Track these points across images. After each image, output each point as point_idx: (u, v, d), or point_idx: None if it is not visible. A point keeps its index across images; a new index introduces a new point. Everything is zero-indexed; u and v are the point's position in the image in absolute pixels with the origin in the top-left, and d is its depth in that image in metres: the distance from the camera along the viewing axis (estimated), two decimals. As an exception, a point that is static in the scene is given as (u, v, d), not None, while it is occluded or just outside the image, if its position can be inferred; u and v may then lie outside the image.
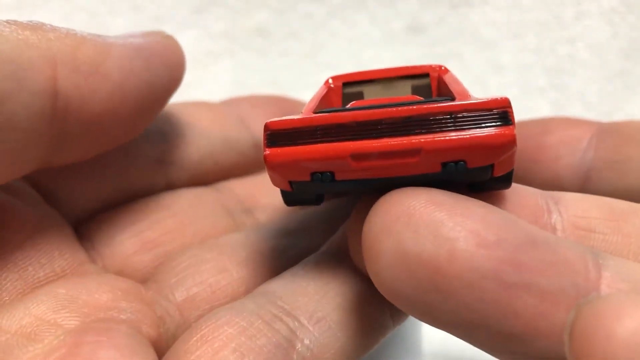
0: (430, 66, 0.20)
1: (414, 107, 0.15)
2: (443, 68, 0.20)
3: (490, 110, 0.15)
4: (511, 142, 0.15)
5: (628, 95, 0.45)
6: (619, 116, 0.44)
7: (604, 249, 0.18)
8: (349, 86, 0.20)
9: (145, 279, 0.22)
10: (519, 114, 0.23)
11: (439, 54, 0.44)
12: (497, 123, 0.15)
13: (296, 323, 0.18)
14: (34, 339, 0.17)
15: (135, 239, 0.23)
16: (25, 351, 0.17)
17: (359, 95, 0.20)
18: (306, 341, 0.18)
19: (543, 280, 0.15)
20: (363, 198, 0.19)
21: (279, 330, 0.17)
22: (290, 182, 0.17)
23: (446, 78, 0.19)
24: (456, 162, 0.15)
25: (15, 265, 0.19)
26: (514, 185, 0.18)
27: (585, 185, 0.26)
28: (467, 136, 0.15)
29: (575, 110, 0.44)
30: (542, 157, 0.27)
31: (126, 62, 0.19)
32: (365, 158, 0.16)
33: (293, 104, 0.32)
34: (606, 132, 0.26)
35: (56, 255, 0.20)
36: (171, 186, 0.26)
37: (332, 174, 0.16)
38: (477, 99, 0.16)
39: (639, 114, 0.43)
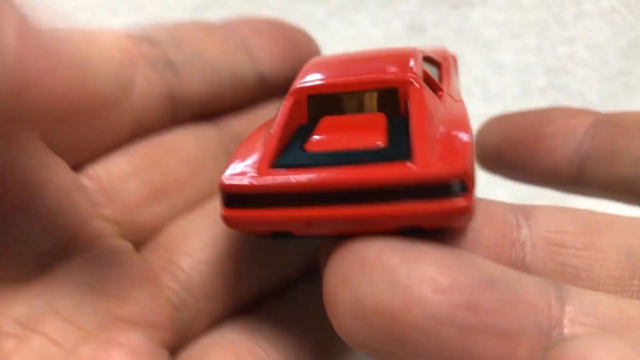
0: (406, 78, 0.18)
1: (368, 174, 0.15)
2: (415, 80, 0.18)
3: (445, 180, 0.14)
4: (464, 213, 0.15)
5: (628, 95, 0.45)
6: (619, 116, 0.44)
7: (576, 265, 0.17)
8: (314, 99, 0.19)
9: (154, 231, 0.22)
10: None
11: (439, 54, 0.44)
12: (451, 193, 0.14)
13: None
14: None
15: (146, 186, 0.22)
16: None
17: (326, 109, 0.19)
18: None
19: (502, 321, 0.14)
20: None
21: None
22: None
23: (414, 97, 0.17)
24: (412, 228, 0.15)
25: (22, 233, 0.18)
26: (482, 200, 0.18)
27: (580, 175, 0.26)
28: (419, 207, 0.15)
29: (575, 110, 0.44)
30: (539, 147, 0.26)
31: None
32: (321, 225, 0.16)
33: (298, 36, 0.30)
34: (604, 122, 0.26)
35: (60, 218, 0.19)
36: (177, 122, 0.24)
37: (291, 232, 0.17)
38: (427, 161, 0.15)
39: (639, 114, 0.43)
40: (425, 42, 0.44)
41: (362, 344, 0.15)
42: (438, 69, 0.22)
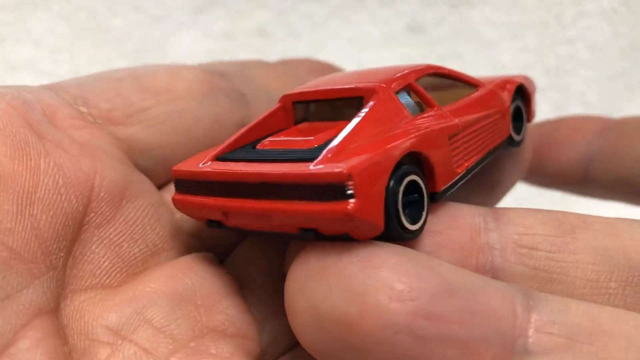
0: (373, 87, 0.18)
1: (270, 170, 0.15)
2: (391, 85, 0.18)
3: (329, 183, 0.14)
4: (350, 218, 0.14)
5: (628, 95, 0.45)
6: (619, 116, 0.44)
7: (549, 269, 0.17)
8: (299, 104, 0.20)
9: (233, 246, 0.22)
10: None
11: (439, 54, 0.44)
12: (336, 196, 0.14)
13: None
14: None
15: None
16: None
17: (309, 116, 0.20)
18: None
19: (462, 331, 0.14)
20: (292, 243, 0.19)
21: None
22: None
23: (367, 104, 0.17)
24: (312, 230, 0.15)
25: (110, 242, 0.19)
26: (450, 204, 0.18)
27: (586, 177, 0.27)
28: (307, 207, 0.14)
29: (575, 110, 0.44)
30: (548, 152, 0.27)
31: None
32: (235, 215, 0.16)
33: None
34: (610, 127, 0.27)
35: (148, 229, 0.20)
36: None
37: (220, 222, 0.17)
38: (327, 163, 0.15)
39: (639, 114, 0.43)
40: (425, 42, 0.44)
41: (319, 352, 0.15)
42: (474, 90, 0.22)
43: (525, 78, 0.24)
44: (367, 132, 0.16)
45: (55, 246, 0.17)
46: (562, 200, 0.32)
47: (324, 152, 0.15)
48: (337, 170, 0.14)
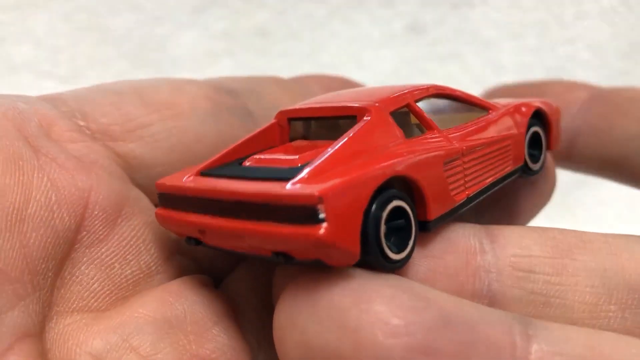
0: (365, 107, 0.17)
1: (245, 188, 0.15)
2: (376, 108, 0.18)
3: (300, 205, 0.13)
4: (318, 242, 0.13)
5: (628, 95, 0.45)
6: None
7: (546, 292, 0.16)
8: (295, 121, 0.20)
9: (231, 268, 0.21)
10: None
11: (439, 53, 0.44)
12: (307, 220, 0.13)
13: None
14: None
15: None
16: None
17: (304, 134, 0.20)
18: None
19: None
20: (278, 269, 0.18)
21: None
22: None
23: (357, 124, 0.17)
24: (284, 254, 0.14)
25: (101, 262, 0.18)
26: (444, 226, 0.17)
27: (571, 151, 0.25)
28: (277, 229, 0.14)
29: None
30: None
31: None
32: (211, 234, 0.16)
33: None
34: (598, 98, 0.25)
35: (142, 250, 0.19)
36: None
37: (198, 239, 0.17)
38: (302, 184, 0.14)
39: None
40: (425, 42, 0.44)
41: None
42: (484, 113, 0.21)
43: (546, 103, 0.22)
44: (353, 153, 0.16)
45: (43, 266, 0.17)
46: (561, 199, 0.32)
47: (303, 172, 0.14)
48: (307, 192, 0.13)
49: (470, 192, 0.18)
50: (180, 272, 0.20)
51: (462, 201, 0.17)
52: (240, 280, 0.20)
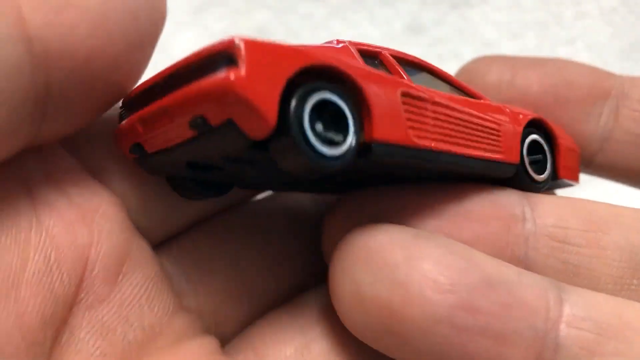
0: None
1: (171, 66, 0.14)
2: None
3: (217, 52, 0.13)
4: (227, 87, 0.12)
5: (628, 95, 0.45)
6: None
7: (577, 263, 0.17)
8: None
9: (242, 325, 0.20)
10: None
11: (439, 53, 0.44)
12: (221, 66, 0.13)
13: None
14: None
15: (230, 270, 0.20)
16: None
17: None
18: None
19: (498, 323, 0.15)
20: (338, 204, 0.18)
21: None
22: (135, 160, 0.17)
23: None
24: (199, 119, 0.14)
25: (102, 326, 0.16)
26: (490, 190, 0.18)
27: (596, 156, 0.23)
28: (192, 88, 0.13)
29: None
30: (561, 115, 0.23)
31: None
32: (147, 125, 0.15)
33: None
34: (628, 96, 0.22)
35: (145, 310, 0.17)
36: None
37: (141, 145, 0.16)
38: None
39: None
40: (425, 42, 0.44)
41: (363, 335, 0.16)
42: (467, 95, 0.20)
43: (560, 129, 0.21)
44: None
45: (41, 335, 0.15)
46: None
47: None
48: (227, 40, 0.13)
49: (437, 146, 0.16)
50: (186, 331, 0.18)
51: (425, 148, 0.16)
52: (248, 342, 0.19)
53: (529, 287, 0.15)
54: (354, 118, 0.14)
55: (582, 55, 0.44)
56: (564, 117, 0.23)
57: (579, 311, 0.15)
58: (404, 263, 0.15)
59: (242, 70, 0.12)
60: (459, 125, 0.17)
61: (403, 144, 0.15)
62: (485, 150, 0.18)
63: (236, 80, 0.12)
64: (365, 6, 0.44)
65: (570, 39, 0.44)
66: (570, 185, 0.22)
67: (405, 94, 0.16)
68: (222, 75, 0.13)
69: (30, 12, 0.14)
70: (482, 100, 0.20)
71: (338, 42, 0.17)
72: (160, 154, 0.16)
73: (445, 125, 0.17)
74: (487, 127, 0.19)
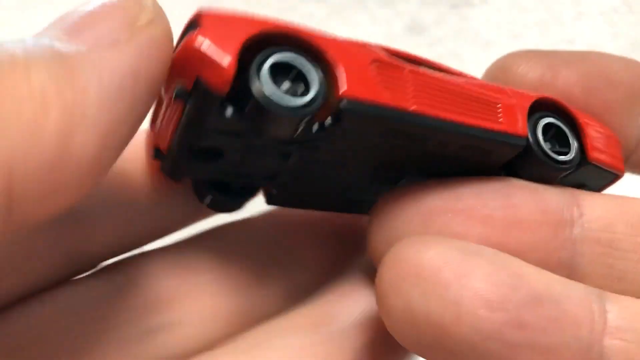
0: None
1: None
2: None
3: (190, 23, 0.15)
4: (193, 43, 0.14)
5: (628, 95, 0.45)
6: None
7: (623, 269, 0.17)
8: None
9: None
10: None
11: (439, 54, 0.44)
12: (190, 30, 0.15)
13: None
14: None
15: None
16: None
17: None
18: None
19: (545, 337, 0.15)
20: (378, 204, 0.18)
21: None
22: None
23: None
24: (179, 88, 0.15)
25: None
26: (539, 189, 0.18)
27: (629, 159, 0.22)
28: (177, 56, 0.15)
29: (575, 110, 0.44)
30: (602, 114, 0.21)
31: (106, 117, 0.13)
32: (152, 119, 0.17)
33: None
34: None
35: None
36: None
37: (157, 148, 0.17)
38: None
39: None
40: (425, 42, 0.44)
41: (413, 347, 0.16)
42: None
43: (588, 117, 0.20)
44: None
45: None
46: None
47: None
48: (196, 13, 0.15)
49: (420, 109, 0.16)
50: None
51: (404, 110, 0.16)
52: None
53: (575, 300, 0.16)
54: (317, 74, 0.15)
55: (582, 55, 0.44)
56: (604, 115, 0.22)
57: (622, 322, 0.15)
58: (455, 281, 0.15)
59: (201, 29, 0.14)
60: (448, 94, 0.17)
61: (377, 102, 0.15)
62: (482, 119, 0.17)
63: (195, 35, 0.14)
64: (366, 6, 0.44)
65: (570, 39, 0.44)
66: (614, 175, 0.21)
67: (376, 60, 0.16)
68: (189, 36, 0.15)
69: (19, 179, 0.11)
70: (478, 80, 0.20)
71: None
72: (169, 149, 0.17)
73: (430, 91, 0.17)
74: (483, 99, 0.18)
